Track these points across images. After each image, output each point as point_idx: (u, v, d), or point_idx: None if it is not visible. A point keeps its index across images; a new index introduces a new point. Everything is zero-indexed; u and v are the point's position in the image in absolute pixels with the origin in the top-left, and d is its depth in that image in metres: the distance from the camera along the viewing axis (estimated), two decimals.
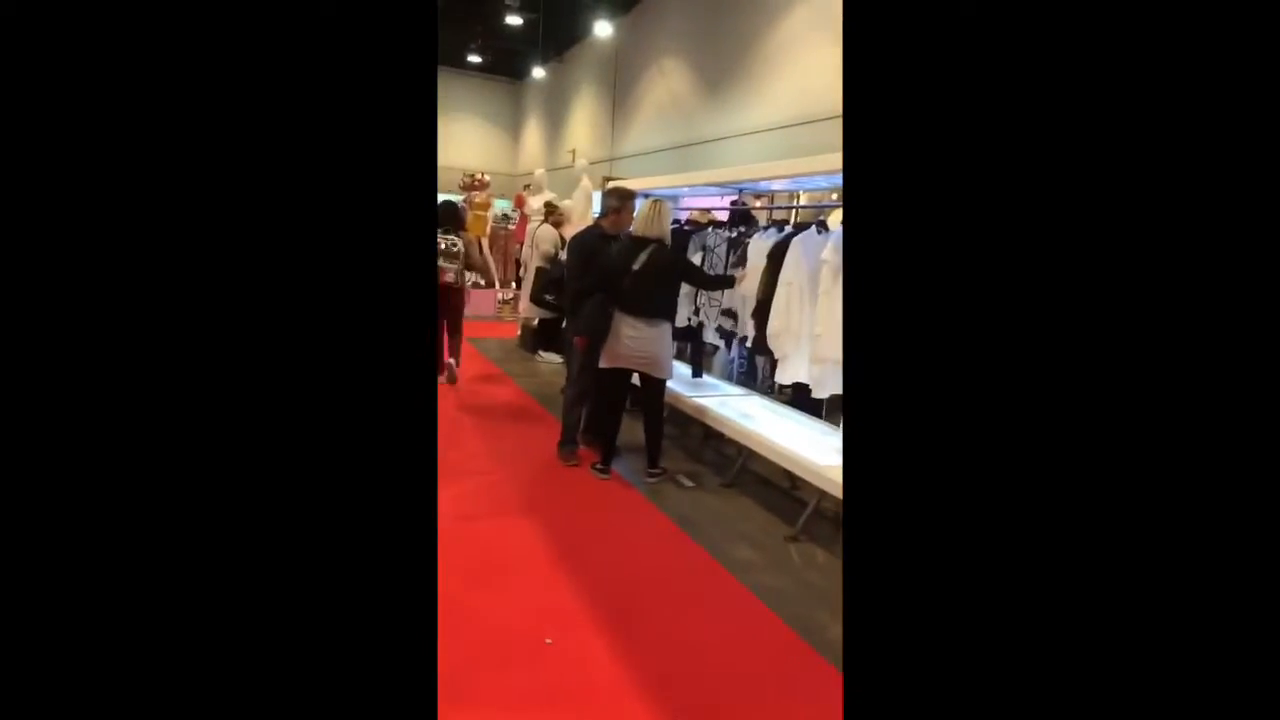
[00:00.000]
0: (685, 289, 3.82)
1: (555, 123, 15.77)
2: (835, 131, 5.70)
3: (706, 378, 4.35)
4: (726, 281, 3.57)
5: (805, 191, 4.55)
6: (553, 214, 6.31)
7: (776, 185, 3.97)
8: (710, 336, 4.10)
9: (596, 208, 5.62)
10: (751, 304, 3.47)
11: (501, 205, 10.43)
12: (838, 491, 2.64)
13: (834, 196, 4.18)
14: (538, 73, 15.42)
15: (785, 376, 3.33)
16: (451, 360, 5.13)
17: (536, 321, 6.35)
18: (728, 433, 3.42)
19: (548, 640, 2.12)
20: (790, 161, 3.50)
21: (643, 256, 3.33)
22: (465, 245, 4.91)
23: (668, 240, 3.45)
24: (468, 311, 5.31)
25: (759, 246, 3.51)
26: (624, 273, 3.34)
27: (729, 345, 4.22)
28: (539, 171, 8.41)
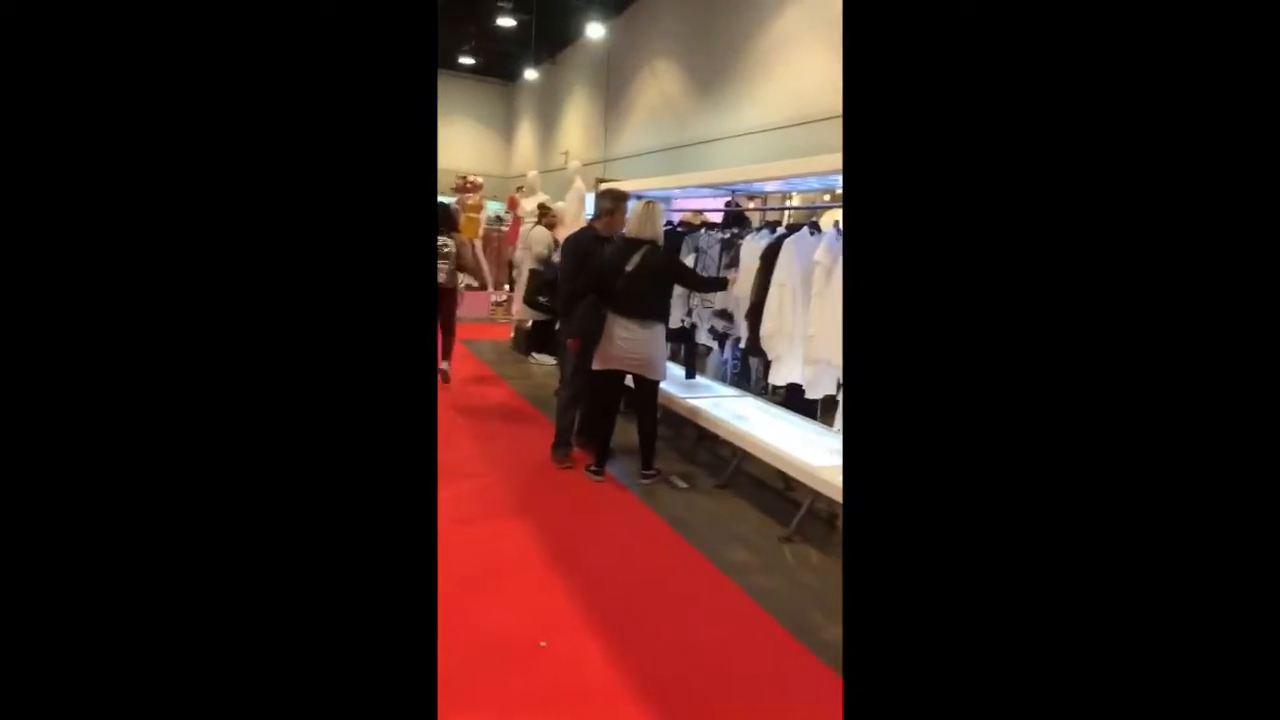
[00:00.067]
0: (678, 290, 3.82)
1: (548, 124, 15.76)
2: (828, 132, 5.72)
3: (700, 379, 4.35)
4: (719, 283, 3.57)
5: (798, 193, 4.55)
6: (546, 216, 6.31)
7: (769, 186, 3.97)
8: (703, 338, 4.10)
9: (590, 209, 5.62)
10: (745, 305, 3.47)
11: (494, 207, 10.42)
12: (832, 493, 2.64)
13: (826, 198, 4.19)
14: (530, 74, 15.41)
15: (779, 377, 3.34)
16: (445, 363, 5.11)
17: (530, 323, 6.34)
18: (722, 434, 3.42)
19: (542, 643, 2.11)
20: (783, 163, 3.50)
21: (636, 258, 3.33)
22: (458, 247, 4.90)
23: (660, 241, 3.45)
24: (461, 313, 5.30)
25: (752, 248, 3.51)
26: (617, 274, 3.34)
27: (723, 346, 4.22)
28: (532, 173, 8.40)
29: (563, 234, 5.30)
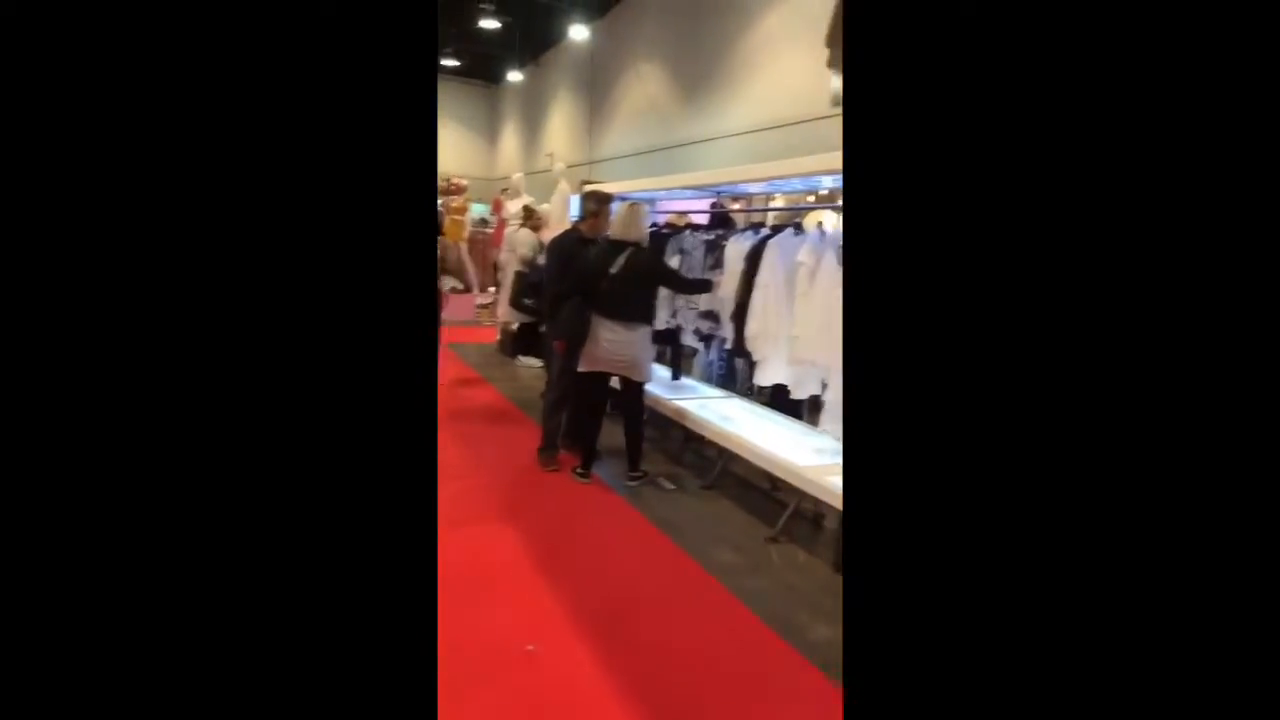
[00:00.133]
0: (664, 292, 3.83)
1: (532, 126, 15.73)
2: (810, 134, 5.74)
3: (686, 380, 4.36)
4: (704, 285, 3.58)
5: (782, 194, 4.57)
6: (531, 218, 6.29)
7: (753, 188, 3.99)
8: (688, 339, 4.10)
9: (575, 211, 5.62)
10: (730, 306, 3.48)
11: (479, 210, 10.38)
12: (817, 492, 2.65)
13: (810, 199, 4.21)
14: (514, 76, 15.38)
15: (764, 378, 3.35)
16: None
17: (516, 326, 6.32)
18: (708, 435, 3.43)
19: (530, 647, 2.11)
20: (766, 164, 3.52)
21: (620, 260, 3.33)
22: (442, 249, 4.88)
23: (645, 243, 3.45)
24: (445, 316, 5.28)
25: (736, 249, 3.52)
26: (602, 276, 3.34)
27: (708, 348, 4.23)
28: (516, 175, 8.38)
29: (548, 236, 5.29)
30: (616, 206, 3.59)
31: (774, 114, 7.15)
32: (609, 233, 3.51)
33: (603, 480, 3.54)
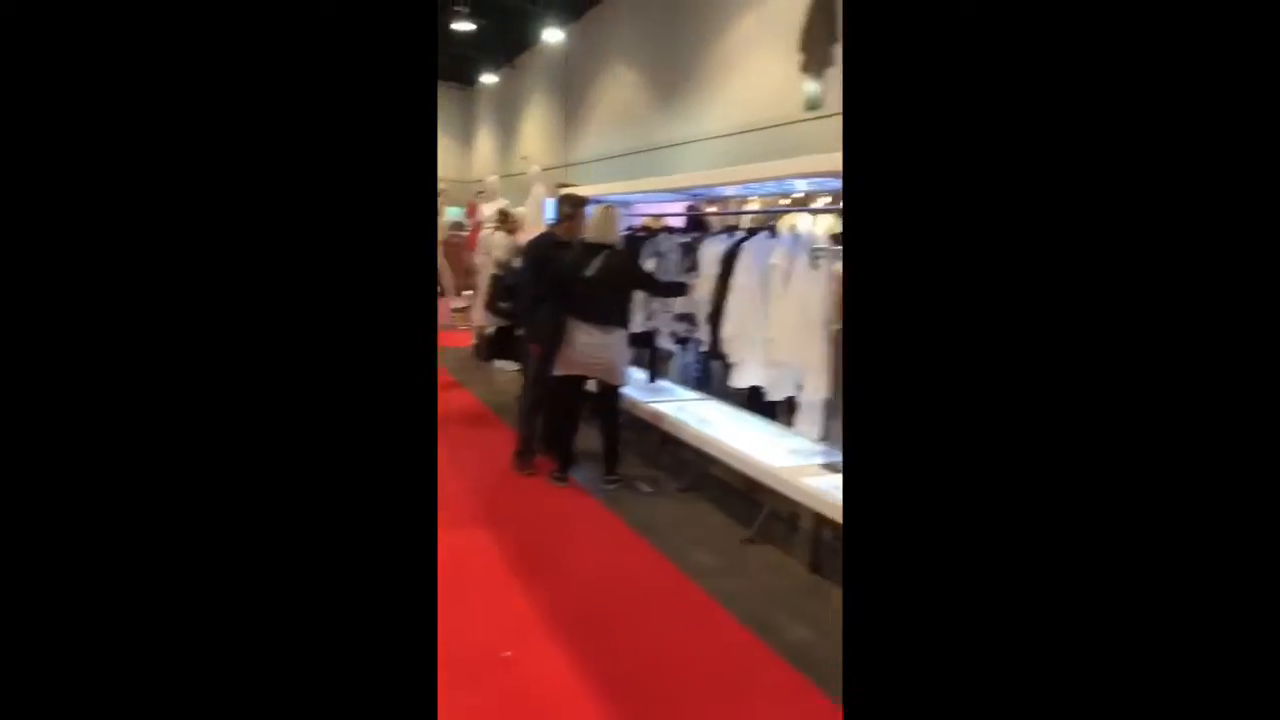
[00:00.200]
0: (640, 294, 3.83)
1: (508, 130, 15.67)
2: (784, 138, 5.79)
3: (663, 382, 4.36)
4: (679, 288, 3.59)
5: (757, 197, 4.60)
6: (506, 221, 6.26)
7: (728, 191, 4.01)
8: (664, 342, 4.11)
9: (550, 214, 5.60)
10: (706, 309, 3.49)
11: (454, 213, 10.31)
12: (792, 494, 2.67)
13: (784, 202, 4.24)
14: (489, 79, 15.31)
15: (740, 380, 3.36)
16: None
17: (491, 329, 6.29)
18: (684, 438, 3.43)
19: (506, 653, 2.09)
20: (741, 167, 3.54)
21: (596, 262, 3.33)
22: None
23: (620, 245, 3.45)
24: None
25: (711, 252, 3.53)
26: (577, 279, 3.33)
27: (685, 350, 4.24)
28: (491, 178, 8.33)
29: (524, 239, 5.27)
30: (591, 209, 3.59)
31: (748, 118, 7.20)
32: (584, 236, 3.51)
33: (580, 484, 3.53)
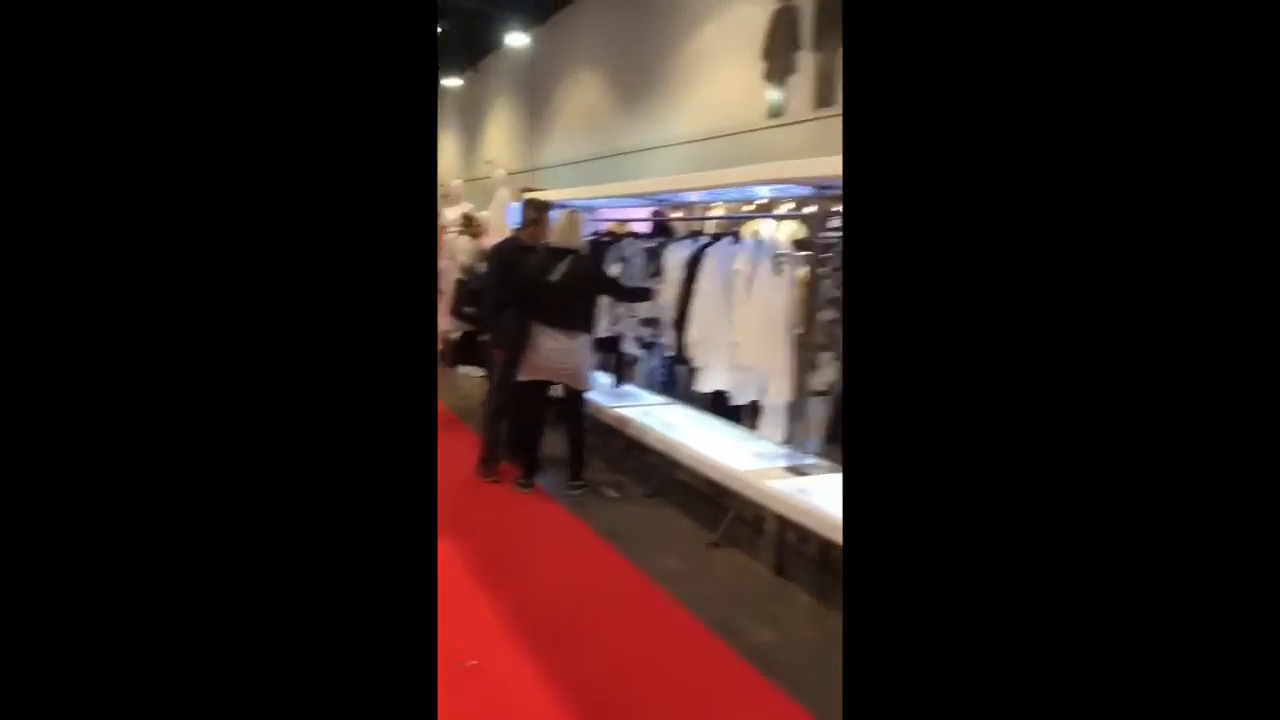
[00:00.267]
0: (605, 299, 3.83)
1: (471, 133, 15.55)
2: (747, 145, 5.84)
3: (628, 387, 4.36)
4: (643, 293, 3.59)
5: (721, 203, 4.64)
6: (470, 225, 6.21)
7: (692, 197, 4.03)
8: (629, 347, 4.12)
9: (515, 219, 5.57)
10: (671, 314, 3.51)
11: None
12: (757, 496, 2.69)
13: (747, 208, 4.28)
14: (452, 82, 15.18)
15: (705, 384, 3.38)
16: None
17: (456, 334, 6.22)
18: (650, 442, 3.44)
19: (471, 662, 2.07)
20: (705, 174, 3.57)
21: (560, 267, 3.32)
22: None
23: (584, 250, 3.45)
24: None
25: (675, 257, 3.55)
26: (542, 284, 3.32)
27: (650, 354, 4.25)
28: (455, 182, 8.26)
29: (488, 243, 5.23)
30: (556, 214, 3.58)
31: (712, 124, 7.26)
32: (549, 240, 3.50)
33: (545, 490, 3.51)
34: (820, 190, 2.70)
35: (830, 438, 2.82)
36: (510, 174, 8.94)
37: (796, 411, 2.83)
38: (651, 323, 3.79)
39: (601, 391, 4.02)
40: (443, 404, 5.18)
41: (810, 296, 2.74)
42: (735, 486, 2.82)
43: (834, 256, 2.75)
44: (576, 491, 3.46)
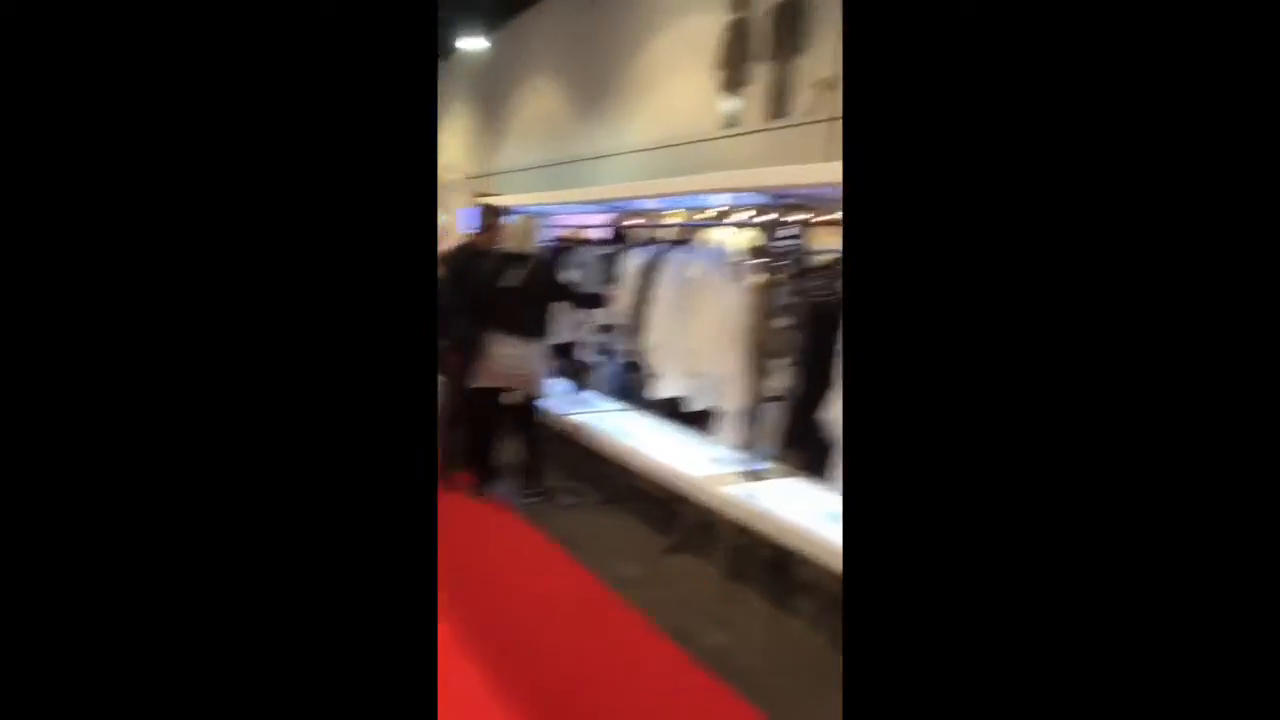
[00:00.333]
0: (561, 305, 3.82)
1: None
2: (703, 153, 5.90)
3: (584, 394, 4.35)
4: (600, 300, 3.60)
5: (678, 210, 4.67)
6: None
7: (649, 204, 4.05)
8: (585, 353, 4.11)
9: (471, 224, 5.51)
10: (627, 320, 3.51)
11: None
12: (711, 500, 2.70)
13: (701, 216, 4.32)
14: None
15: (661, 391, 3.39)
16: None
17: None
18: (606, 449, 3.43)
19: None
20: (663, 181, 3.59)
21: (516, 273, 3.30)
22: None
23: (539, 256, 3.44)
24: None
25: (631, 264, 3.56)
26: (497, 289, 3.29)
27: (606, 361, 4.25)
28: None
29: (443, 248, 5.16)
30: (511, 219, 3.56)
31: (667, 133, 7.31)
32: (504, 245, 3.48)
33: (500, 498, 3.47)
34: (774, 199, 2.74)
35: (784, 443, 2.85)
36: (466, 178, 8.86)
37: (751, 417, 2.86)
38: (608, 329, 3.79)
39: (557, 398, 4.00)
40: None
41: (765, 303, 2.78)
42: (690, 492, 2.83)
43: (788, 264, 2.79)
44: (532, 499, 3.43)
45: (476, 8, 10.63)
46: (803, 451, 2.75)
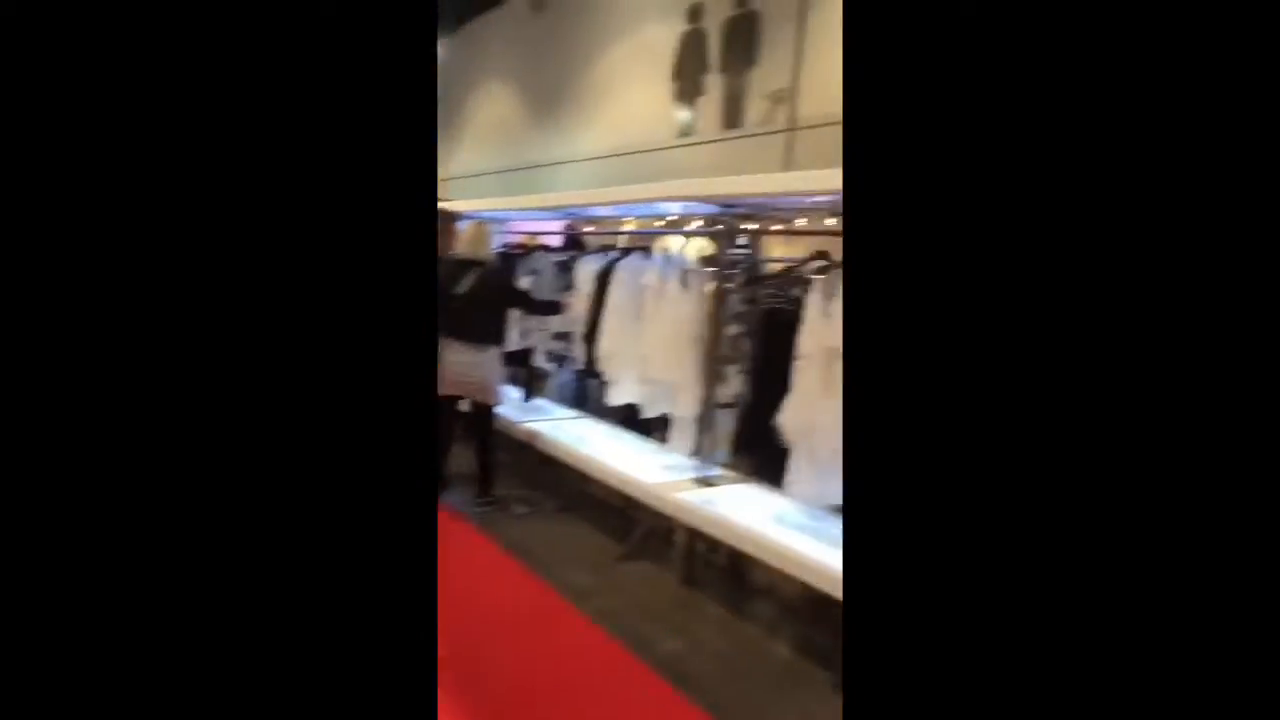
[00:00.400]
0: (515, 312, 3.79)
1: None
2: (657, 162, 5.94)
3: (539, 401, 4.32)
4: (554, 307, 3.58)
5: (633, 218, 4.68)
6: None
7: (603, 211, 4.06)
8: (540, 360, 4.08)
9: None
10: (582, 327, 3.51)
11: None
12: (665, 508, 2.71)
13: (658, 224, 4.34)
14: None
15: (615, 398, 3.39)
16: None
17: None
18: (560, 456, 3.41)
19: None
20: (618, 188, 3.60)
21: (468, 279, 3.26)
22: None
23: (493, 262, 3.41)
24: None
25: (586, 271, 3.56)
26: (450, 295, 3.25)
27: (561, 368, 4.23)
28: None
29: None
30: (464, 225, 3.53)
31: (622, 141, 7.34)
32: (456, 251, 3.43)
33: (453, 506, 3.42)
34: (727, 208, 2.77)
35: (736, 449, 2.88)
36: None
37: (704, 424, 2.88)
38: (563, 336, 3.77)
39: (512, 406, 3.96)
40: None
41: (717, 311, 2.80)
42: (644, 499, 2.84)
43: (740, 273, 2.83)
44: (484, 507, 3.39)
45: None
46: (755, 457, 2.78)
